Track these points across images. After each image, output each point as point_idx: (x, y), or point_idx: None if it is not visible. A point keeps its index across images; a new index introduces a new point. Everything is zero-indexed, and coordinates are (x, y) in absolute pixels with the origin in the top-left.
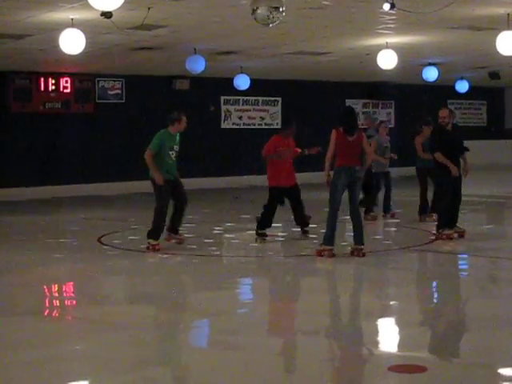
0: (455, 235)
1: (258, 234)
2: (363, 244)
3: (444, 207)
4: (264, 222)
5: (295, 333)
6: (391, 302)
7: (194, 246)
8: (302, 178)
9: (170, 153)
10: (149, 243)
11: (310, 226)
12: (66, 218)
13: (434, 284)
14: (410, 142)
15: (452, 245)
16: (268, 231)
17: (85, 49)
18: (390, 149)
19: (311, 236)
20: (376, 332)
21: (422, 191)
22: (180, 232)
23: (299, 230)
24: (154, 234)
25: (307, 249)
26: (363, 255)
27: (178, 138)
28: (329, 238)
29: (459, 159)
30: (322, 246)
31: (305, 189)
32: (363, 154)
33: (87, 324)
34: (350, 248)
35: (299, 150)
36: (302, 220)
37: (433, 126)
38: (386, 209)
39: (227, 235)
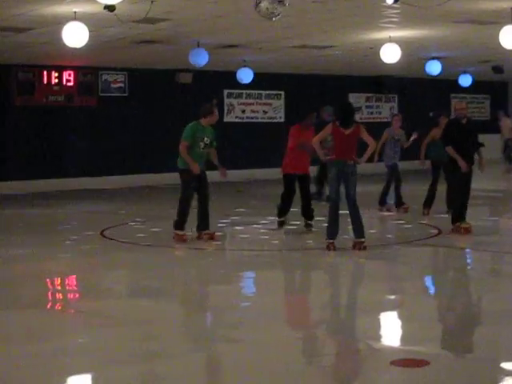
0: (472, 228)
1: (277, 222)
2: (364, 237)
3: (457, 201)
4: (282, 210)
5: (298, 327)
6: (393, 296)
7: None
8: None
9: (200, 143)
10: (176, 233)
11: (318, 218)
12: (69, 212)
13: (437, 278)
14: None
15: (454, 239)
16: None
17: (88, 42)
18: (402, 141)
19: (317, 229)
20: (378, 326)
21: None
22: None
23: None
24: (179, 224)
25: (312, 242)
26: (364, 248)
27: (210, 130)
28: (328, 232)
29: (473, 154)
30: (326, 239)
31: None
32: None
33: (90, 317)
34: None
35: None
36: (306, 212)
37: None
38: (383, 202)
39: (231, 228)
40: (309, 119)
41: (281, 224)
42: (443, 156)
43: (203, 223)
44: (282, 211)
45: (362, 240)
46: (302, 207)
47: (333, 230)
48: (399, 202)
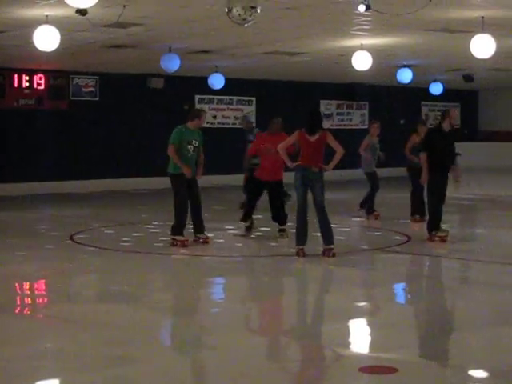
0: (447, 238)
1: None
2: (333, 243)
3: (434, 209)
4: (246, 213)
5: (266, 333)
6: (362, 303)
7: (169, 245)
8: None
9: (189, 147)
10: (174, 239)
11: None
12: (38, 216)
13: (406, 285)
14: (384, 143)
15: (425, 247)
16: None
17: (59, 46)
18: (378, 149)
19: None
20: (347, 333)
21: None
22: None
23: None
24: (178, 229)
25: (283, 248)
26: (334, 255)
27: (198, 133)
28: (297, 238)
29: (449, 163)
30: (295, 246)
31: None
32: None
33: (58, 322)
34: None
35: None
36: (278, 218)
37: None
38: (364, 205)
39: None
40: (274, 126)
41: (248, 229)
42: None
43: (198, 227)
44: (244, 215)
45: (331, 247)
46: (272, 214)
47: (301, 237)
48: (371, 209)
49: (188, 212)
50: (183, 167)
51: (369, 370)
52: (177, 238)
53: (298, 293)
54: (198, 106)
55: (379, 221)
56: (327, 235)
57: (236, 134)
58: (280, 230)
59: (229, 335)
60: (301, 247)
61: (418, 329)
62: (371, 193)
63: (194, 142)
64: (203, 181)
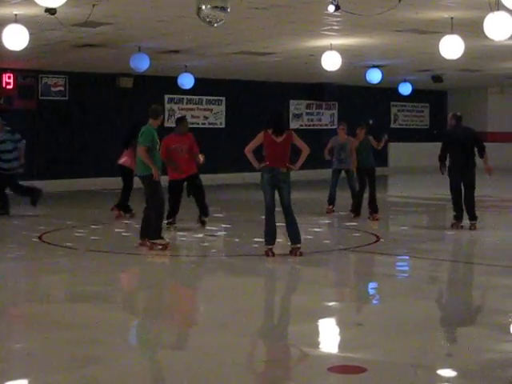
0: None
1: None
2: (300, 243)
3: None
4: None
5: (234, 334)
6: (331, 303)
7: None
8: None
9: (157, 147)
10: (154, 243)
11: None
12: (7, 215)
13: (374, 285)
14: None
15: (392, 246)
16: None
17: (28, 45)
18: (351, 147)
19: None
20: (315, 333)
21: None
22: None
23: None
24: (157, 233)
25: (251, 248)
26: (301, 254)
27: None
28: (266, 237)
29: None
30: (264, 245)
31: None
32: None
33: (28, 322)
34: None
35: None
36: (201, 208)
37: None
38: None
39: (169, 234)
40: (182, 126)
41: (170, 224)
42: (369, 163)
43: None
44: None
45: (298, 246)
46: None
47: (270, 237)
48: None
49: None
50: (154, 170)
51: (338, 369)
52: (158, 241)
53: (266, 293)
54: (167, 106)
55: (349, 220)
56: (294, 235)
57: (205, 133)
58: (201, 221)
59: (197, 335)
60: (270, 247)
61: (387, 328)
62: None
63: (158, 140)
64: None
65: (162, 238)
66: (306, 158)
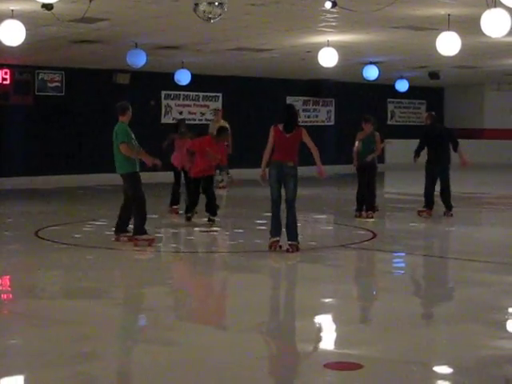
0: None
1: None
2: (296, 240)
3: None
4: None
5: (232, 329)
6: (327, 300)
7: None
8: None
9: (134, 142)
10: (139, 239)
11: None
12: (3, 211)
13: (370, 282)
14: (350, 139)
15: (388, 243)
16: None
17: (25, 41)
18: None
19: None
20: (312, 329)
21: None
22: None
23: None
24: (142, 229)
25: (248, 245)
26: (297, 250)
27: None
28: (272, 230)
29: None
30: (269, 238)
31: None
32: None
33: (24, 318)
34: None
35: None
36: (209, 208)
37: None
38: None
39: (166, 229)
40: (223, 136)
41: (188, 219)
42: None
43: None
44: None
45: (295, 243)
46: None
47: (277, 229)
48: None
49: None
50: (146, 158)
51: (334, 366)
52: (144, 237)
53: (263, 289)
54: (164, 102)
55: (346, 217)
56: (293, 231)
57: (202, 129)
58: (209, 220)
59: (194, 331)
60: (276, 238)
61: (383, 325)
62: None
63: (133, 135)
64: (163, 177)
65: (146, 234)
66: (319, 157)
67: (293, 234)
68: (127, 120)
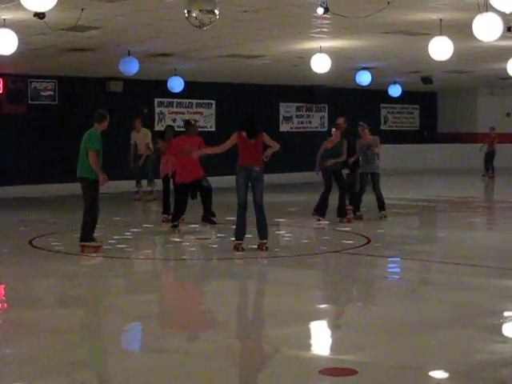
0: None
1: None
2: (266, 239)
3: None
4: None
5: (224, 336)
6: (321, 305)
7: (131, 249)
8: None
9: (101, 151)
10: (89, 246)
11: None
12: None
13: (365, 287)
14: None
15: (383, 248)
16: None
17: (17, 49)
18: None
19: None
20: (306, 335)
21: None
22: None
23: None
24: (90, 235)
25: (230, 252)
26: (266, 249)
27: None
28: (237, 233)
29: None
30: (234, 240)
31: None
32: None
33: (18, 327)
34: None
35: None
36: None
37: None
38: (381, 208)
39: (152, 238)
40: (191, 128)
41: (175, 227)
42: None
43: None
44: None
45: (265, 241)
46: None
47: (241, 233)
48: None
49: None
50: (102, 176)
51: (328, 372)
52: (92, 244)
53: (255, 295)
54: (157, 110)
55: (340, 222)
56: (263, 230)
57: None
58: (210, 221)
59: (188, 339)
60: (239, 242)
61: (378, 330)
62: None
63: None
64: (159, 184)
65: (94, 241)
66: (276, 150)
67: (263, 234)
68: (101, 129)
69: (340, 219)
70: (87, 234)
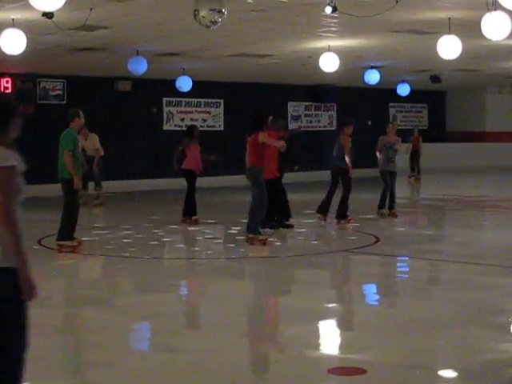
0: None
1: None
2: (250, 233)
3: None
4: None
5: (233, 336)
6: (330, 305)
7: (133, 249)
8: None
9: (79, 150)
10: (62, 245)
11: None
12: None
13: (375, 286)
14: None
15: (391, 247)
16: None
17: (26, 49)
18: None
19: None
20: (315, 334)
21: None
22: (76, 236)
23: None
24: (67, 234)
25: (248, 250)
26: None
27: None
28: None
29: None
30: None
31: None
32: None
33: (30, 327)
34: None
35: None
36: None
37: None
38: (391, 207)
39: (165, 238)
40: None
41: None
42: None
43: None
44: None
45: (250, 235)
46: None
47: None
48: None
49: None
50: (76, 178)
51: (338, 371)
52: (68, 243)
53: (265, 294)
54: (166, 109)
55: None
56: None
57: (204, 136)
58: (286, 226)
59: (198, 338)
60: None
61: (387, 330)
62: (382, 192)
63: (80, 144)
64: (165, 183)
65: (71, 240)
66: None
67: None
68: (77, 127)
69: (338, 221)
70: (62, 234)
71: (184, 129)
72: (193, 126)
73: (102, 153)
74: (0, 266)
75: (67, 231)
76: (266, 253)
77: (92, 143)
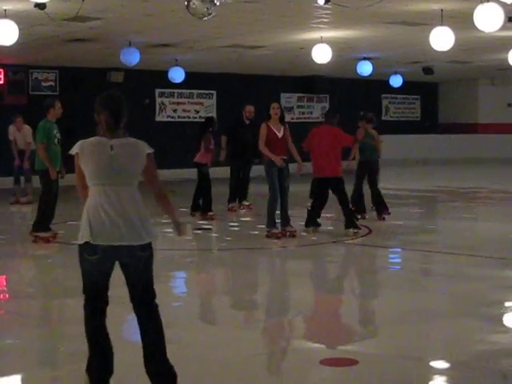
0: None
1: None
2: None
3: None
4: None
5: (227, 327)
6: (322, 296)
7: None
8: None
9: (55, 140)
10: (37, 236)
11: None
12: None
13: (366, 278)
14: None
15: (384, 239)
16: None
17: (18, 40)
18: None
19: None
20: (307, 325)
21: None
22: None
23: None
24: (43, 225)
25: (240, 242)
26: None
27: (56, 125)
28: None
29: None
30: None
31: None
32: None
33: (19, 318)
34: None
35: None
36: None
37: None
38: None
39: (162, 229)
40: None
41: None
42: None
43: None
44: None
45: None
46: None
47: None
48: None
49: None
50: (51, 169)
51: (329, 362)
52: (41, 235)
53: (257, 286)
54: (158, 100)
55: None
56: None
57: (196, 127)
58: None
59: (190, 329)
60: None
61: (379, 321)
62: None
63: (57, 134)
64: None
65: (46, 231)
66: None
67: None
68: (53, 117)
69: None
70: (37, 225)
71: (177, 120)
72: (212, 118)
73: (34, 147)
74: (146, 241)
75: (42, 221)
76: (244, 244)
77: (24, 136)
